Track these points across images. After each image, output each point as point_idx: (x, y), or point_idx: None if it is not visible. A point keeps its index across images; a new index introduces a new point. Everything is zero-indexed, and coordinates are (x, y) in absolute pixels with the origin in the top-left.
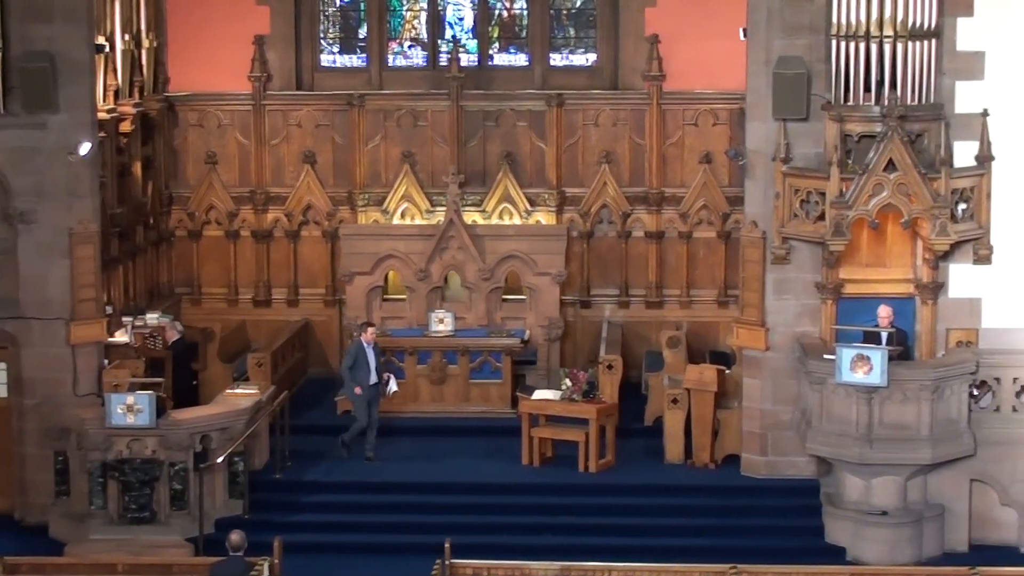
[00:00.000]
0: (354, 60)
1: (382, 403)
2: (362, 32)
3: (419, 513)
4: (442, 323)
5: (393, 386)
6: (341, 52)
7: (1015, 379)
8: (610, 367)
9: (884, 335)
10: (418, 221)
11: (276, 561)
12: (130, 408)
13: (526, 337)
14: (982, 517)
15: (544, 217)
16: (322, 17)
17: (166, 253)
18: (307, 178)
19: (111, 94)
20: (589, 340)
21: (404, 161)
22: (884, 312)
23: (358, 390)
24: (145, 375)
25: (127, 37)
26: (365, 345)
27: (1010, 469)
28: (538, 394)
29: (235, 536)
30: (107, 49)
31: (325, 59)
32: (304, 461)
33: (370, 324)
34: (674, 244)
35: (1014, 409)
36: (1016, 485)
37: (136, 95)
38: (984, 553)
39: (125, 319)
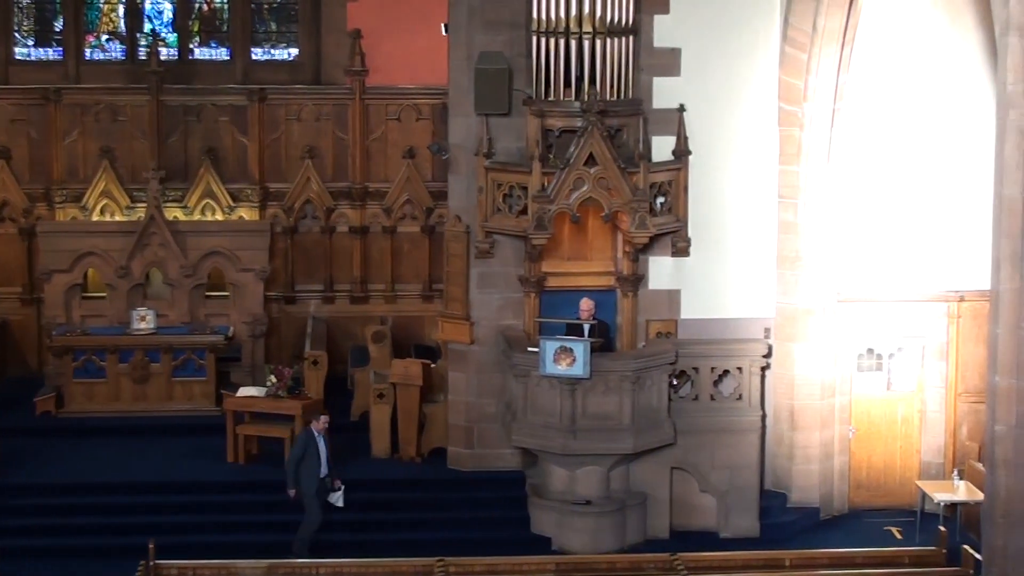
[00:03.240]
0: (50, 53)
1: (84, 404)
2: (58, 25)
3: (123, 514)
4: (144, 321)
5: (340, 501)
6: (36, 45)
7: (712, 368)
8: (315, 363)
9: (586, 327)
10: (118, 218)
11: None
12: None
13: (230, 334)
14: (683, 504)
15: (247, 213)
16: (16, 9)
17: None
18: (2, 174)
19: None
20: (294, 336)
21: (103, 157)
22: (586, 305)
23: (292, 493)
24: None
25: None
26: (316, 434)
27: (708, 457)
28: (243, 391)
29: None
30: None
31: (20, 52)
32: (3, 464)
33: (323, 413)
34: (378, 239)
35: (712, 398)
36: (714, 472)
37: None
38: (685, 539)
39: None
